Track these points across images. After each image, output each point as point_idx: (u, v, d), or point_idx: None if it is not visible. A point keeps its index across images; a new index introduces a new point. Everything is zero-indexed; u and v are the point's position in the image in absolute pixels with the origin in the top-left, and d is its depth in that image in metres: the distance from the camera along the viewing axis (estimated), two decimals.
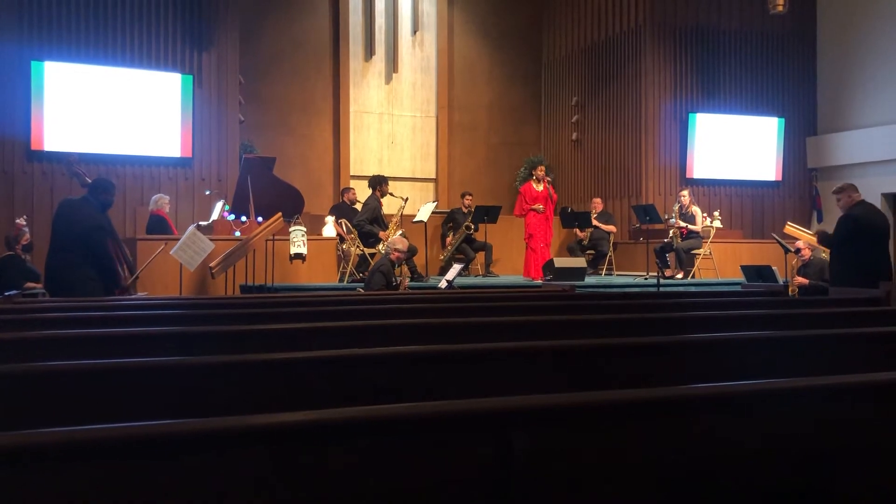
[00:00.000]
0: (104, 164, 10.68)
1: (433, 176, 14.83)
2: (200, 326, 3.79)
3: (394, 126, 14.58)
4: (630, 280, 10.93)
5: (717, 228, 11.68)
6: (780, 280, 8.42)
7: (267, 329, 3.59)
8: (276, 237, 8.76)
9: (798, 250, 8.46)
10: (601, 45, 13.94)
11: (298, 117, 13.83)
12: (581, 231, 12.57)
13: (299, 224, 9.12)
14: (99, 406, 2.31)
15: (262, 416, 1.73)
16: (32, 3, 10.57)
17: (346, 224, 10.50)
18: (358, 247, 10.33)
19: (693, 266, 11.14)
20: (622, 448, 1.91)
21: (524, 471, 1.76)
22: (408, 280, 9.05)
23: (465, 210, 12.08)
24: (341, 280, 10.13)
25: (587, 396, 1.98)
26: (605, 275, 12.07)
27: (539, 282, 10.10)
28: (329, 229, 10.48)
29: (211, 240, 8.18)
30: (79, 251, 6.20)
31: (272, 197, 9.39)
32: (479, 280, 11.25)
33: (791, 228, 9.85)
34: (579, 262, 10.63)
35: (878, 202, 11.63)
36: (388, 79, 14.55)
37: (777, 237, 9.00)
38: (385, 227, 10.48)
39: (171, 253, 7.86)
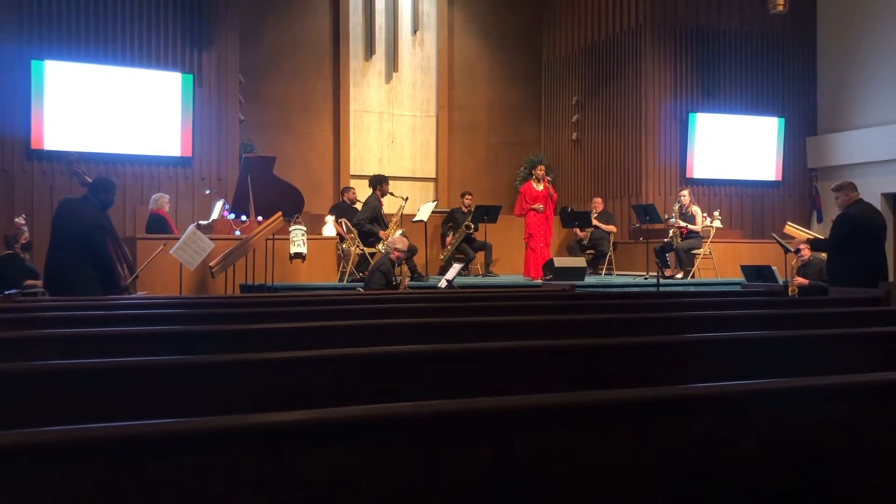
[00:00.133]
0: (104, 163, 10.67)
1: (433, 175, 14.83)
2: (200, 326, 3.79)
3: (394, 125, 14.57)
4: (630, 280, 10.92)
5: (717, 228, 11.68)
6: (780, 280, 8.41)
7: (267, 328, 3.59)
8: (276, 236, 8.76)
9: (798, 250, 8.45)
10: (601, 44, 13.93)
11: (298, 117, 13.83)
12: (581, 231, 12.57)
13: (299, 223, 9.12)
14: (99, 405, 2.30)
15: (263, 415, 1.73)
16: (32, 3, 10.56)
17: (346, 223, 10.50)
18: (358, 246, 10.32)
19: (693, 266, 11.13)
20: (622, 448, 1.91)
21: (525, 471, 1.76)
22: (408, 279, 9.05)
23: (465, 210, 12.08)
24: (341, 279, 10.12)
25: (587, 396, 1.98)
26: (605, 275, 12.06)
27: (539, 281, 10.09)
28: (329, 229, 10.48)
29: (211, 239, 8.18)
30: (78, 250, 6.19)
31: (272, 196, 9.38)
32: (479, 280, 11.24)
33: (791, 228, 9.86)
34: (579, 261, 10.63)
35: (877, 202, 11.63)
36: (389, 78, 14.54)
37: (777, 237, 8.99)
38: (385, 227, 10.47)
39: (170, 252, 7.86)
